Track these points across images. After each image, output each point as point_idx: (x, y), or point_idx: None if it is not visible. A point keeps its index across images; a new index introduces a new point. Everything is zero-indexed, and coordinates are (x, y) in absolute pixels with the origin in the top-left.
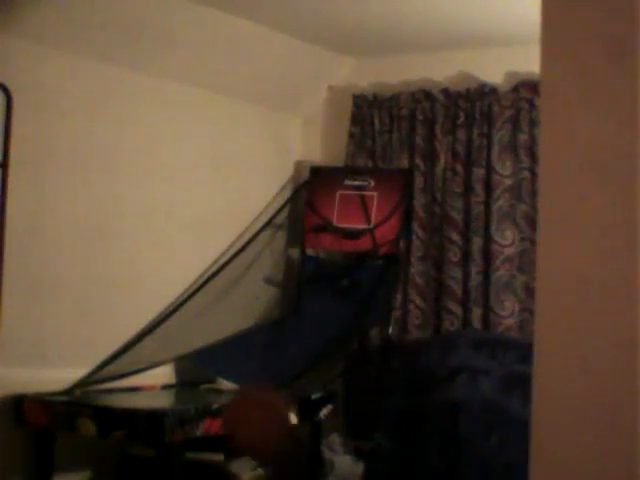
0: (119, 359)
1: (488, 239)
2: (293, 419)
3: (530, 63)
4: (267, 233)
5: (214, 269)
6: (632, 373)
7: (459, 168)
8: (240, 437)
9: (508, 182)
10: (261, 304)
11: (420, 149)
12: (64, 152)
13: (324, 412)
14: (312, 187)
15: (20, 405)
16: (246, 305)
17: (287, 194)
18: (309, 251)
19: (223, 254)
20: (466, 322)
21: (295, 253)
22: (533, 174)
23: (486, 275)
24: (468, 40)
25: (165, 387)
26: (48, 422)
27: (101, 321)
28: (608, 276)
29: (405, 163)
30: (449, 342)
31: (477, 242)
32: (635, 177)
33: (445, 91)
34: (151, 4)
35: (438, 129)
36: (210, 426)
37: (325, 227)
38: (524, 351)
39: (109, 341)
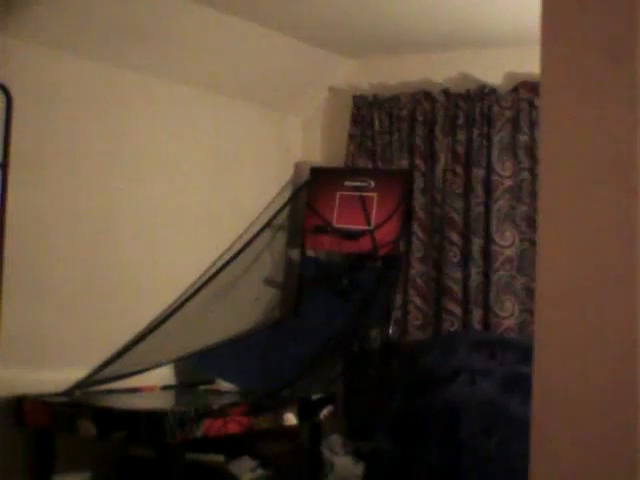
0: (119, 360)
1: (488, 240)
2: (293, 420)
3: (530, 63)
4: (267, 234)
5: (214, 270)
6: (632, 373)
7: (459, 169)
8: None
9: (508, 183)
10: (261, 305)
11: (420, 150)
12: (64, 152)
13: (324, 413)
14: (312, 188)
15: (20, 406)
16: (246, 306)
17: (287, 195)
18: (309, 252)
19: (223, 255)
20: (466, 323)
21: (295, 254)
22: (533, 175)
23: (486, 276)
24: (468, 40)
25: (165, 388)
26: (48, 423)
27: (101, 322)
28: (608, 276)
29: (405, 164)
30: (449, 343)
31: (477, 243)
32: (635, 177)
33: (445, 92)
34: (151, 4)
35: (438, 130)
36: (210, 427)
37: (325, 228)
38: (524, 352)
39: (109, 342)
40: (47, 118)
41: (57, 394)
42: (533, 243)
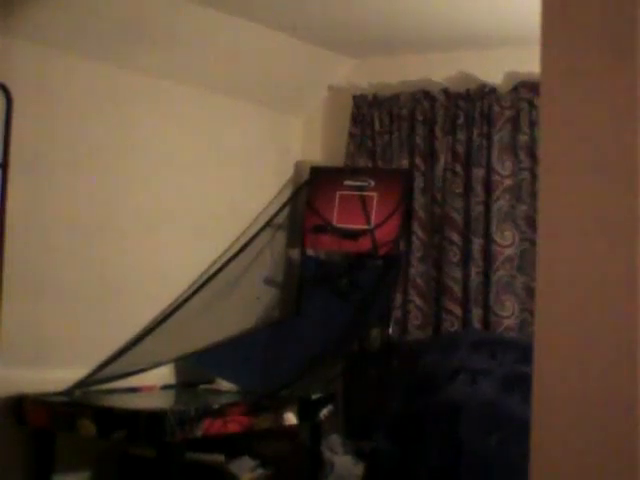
0: (119, 359)
1: (488, 239)
2: (293, 419)
3: (530, 63)
4: (267, 233)
5: (214, 269)
6: (632, 373)
7: (459, 168)
8: None
9: (508, 182)
10: (261, 304)
11: (420, 149)
12: (64, 152)
13: (324, 413)
14: (312, 187)
15: (20, 405)
16: (246, 305)
17: (287, 194)
18: (309, 251)
19: (223, 254)
20: (466, 322)
21: (295, 253)
22: (533, 174)
23: (486, 275)
24: (468, 40)
25: (165, 387)
26: (48, 422)
27: (101, 321)
28: (608, 276)
29: (405, 163)
30: (449, 342)
31: (477, 242)
32: (635, 176)
33: (445, 91)
34: (151, 4)
35: (438, 129)
36: (210, 426)
37: (325, 227)
38: (524, 351)
39: (109, 341)
40: (47, 118)
41: (57, 394)
42: (533, 243)
